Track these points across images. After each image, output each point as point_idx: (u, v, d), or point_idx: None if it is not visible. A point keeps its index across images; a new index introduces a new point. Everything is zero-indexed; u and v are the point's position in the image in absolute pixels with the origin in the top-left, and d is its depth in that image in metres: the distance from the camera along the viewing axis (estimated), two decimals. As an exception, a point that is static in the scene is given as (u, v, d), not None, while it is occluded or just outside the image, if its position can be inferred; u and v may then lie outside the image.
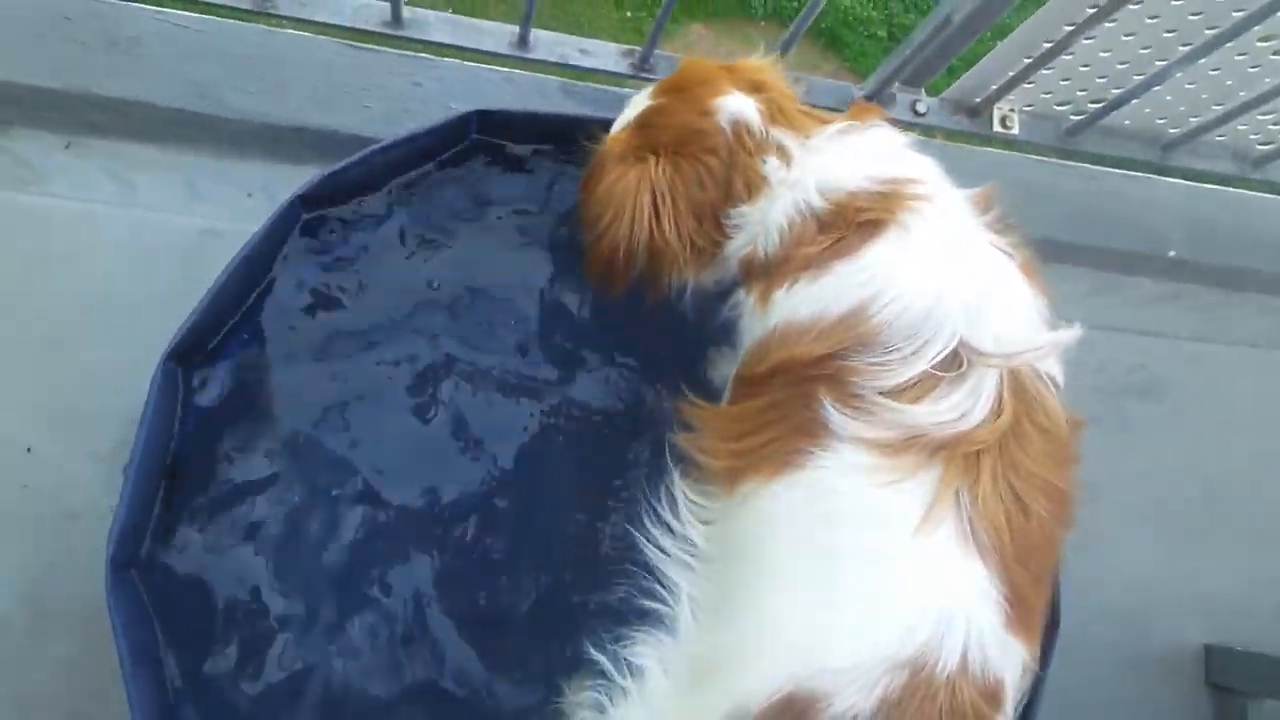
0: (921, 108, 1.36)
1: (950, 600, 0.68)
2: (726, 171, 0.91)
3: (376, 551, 1.04)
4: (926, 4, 4.91)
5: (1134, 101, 1.32)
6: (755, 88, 0.95)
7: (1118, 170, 1.53)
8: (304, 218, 1.10)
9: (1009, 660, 0.70)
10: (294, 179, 1.30)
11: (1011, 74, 1.29)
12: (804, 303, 0.82)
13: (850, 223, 0.83)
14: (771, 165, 0.90)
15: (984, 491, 0.71)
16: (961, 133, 1.40)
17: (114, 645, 0.91)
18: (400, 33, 1.23)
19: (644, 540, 0.88)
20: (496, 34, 1.25)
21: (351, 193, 1.11)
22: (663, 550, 0.87)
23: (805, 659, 0.67)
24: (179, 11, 1.22)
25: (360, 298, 1.13)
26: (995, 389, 0.74)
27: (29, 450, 1.14)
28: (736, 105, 0.92)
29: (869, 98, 1.34)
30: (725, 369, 1.04)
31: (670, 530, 0.87)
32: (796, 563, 0.73)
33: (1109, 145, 1.45)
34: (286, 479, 1.05)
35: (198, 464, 1.05)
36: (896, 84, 1.34)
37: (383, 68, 1.30)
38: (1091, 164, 1.50)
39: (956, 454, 0.71)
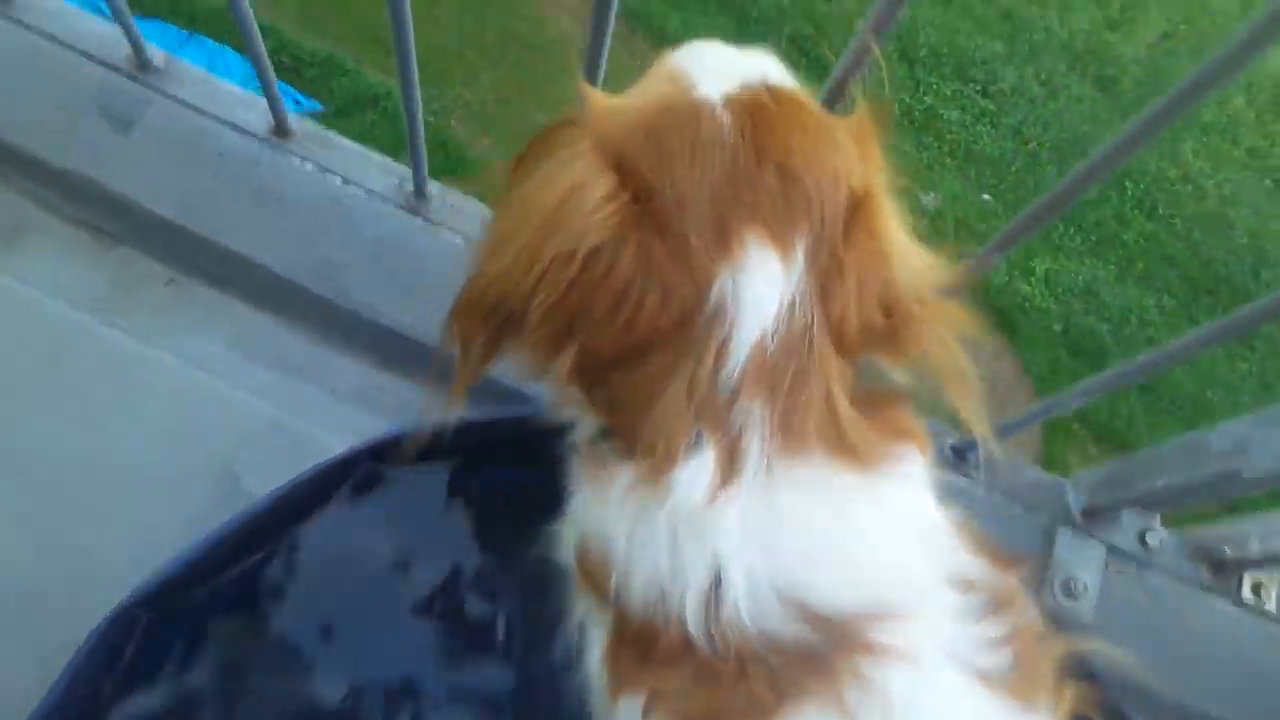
0: (1152, 540, 1.07)
1: None
2: (661, 367, 0.51)
3: None
4: (1106, 310, 4.69)
5: None
6: (861, 239, 0.53)
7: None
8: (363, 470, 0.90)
9: None
10: (387, 390, 1.13)
11: (1289, 545, 0.99)
12: None
13: (762, 675, 0.48)
14: (697, 468, 0.50)
15: None
16: (1195, 584, 1.09)
17: None
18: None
19: None
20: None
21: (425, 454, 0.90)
22: None
23: None
24: (338, 180, 1.08)
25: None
26: None
27: (-38, 624, 0.93)
28: (758, 289, 0.50)
29: (1086, 513, 1.06)
30: None
31: None
32: None
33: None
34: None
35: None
36: (1125, 504, 1.06)
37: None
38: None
39: None
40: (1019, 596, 0.55)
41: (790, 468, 0.50)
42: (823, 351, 0.51)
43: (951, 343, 0.56)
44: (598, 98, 0.56)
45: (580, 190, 0.50)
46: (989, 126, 4.96)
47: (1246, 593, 1.07)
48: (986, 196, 4.90)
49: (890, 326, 0.55)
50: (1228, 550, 1.07)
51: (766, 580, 0.48)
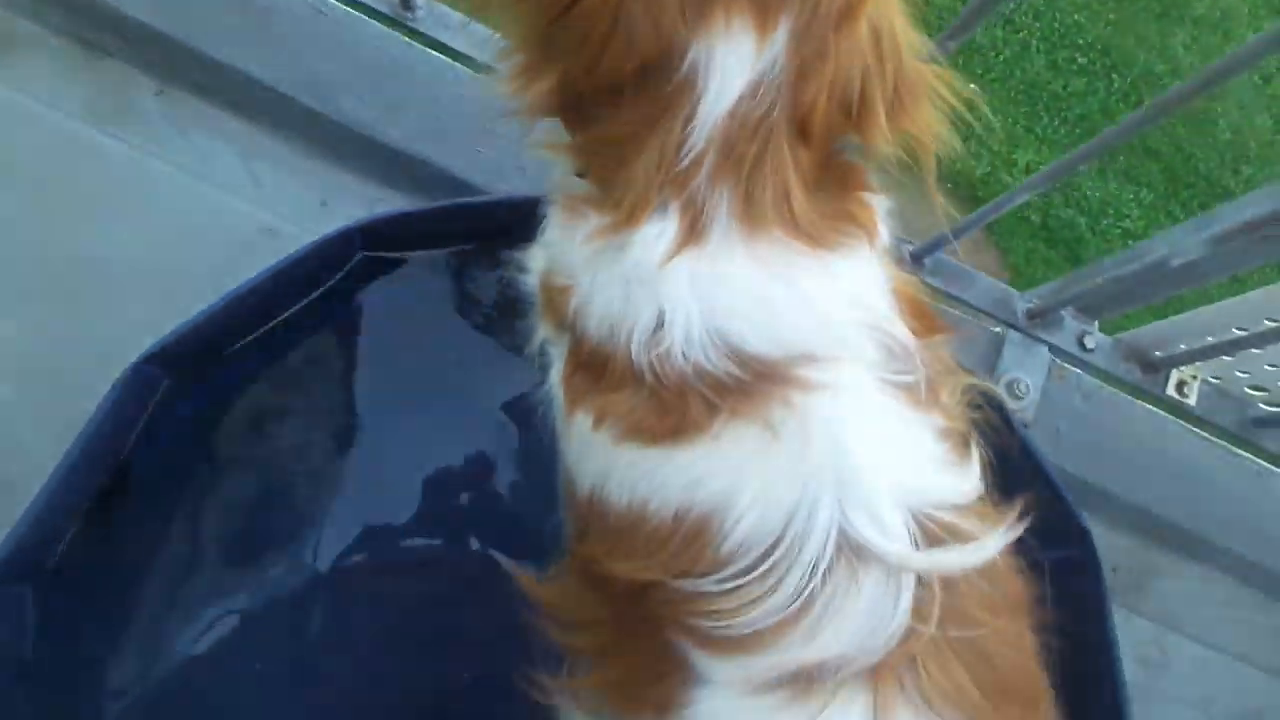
0: (1090, 343, 1.16)
1: None
2: (640, 114, 0.54)
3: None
4: (1085, 202, 4.75)
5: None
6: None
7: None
8: (361, 254, 0.96)
9: None
10: (377, 202, 1.18)
11: (1211, 340, 1.08)
12: (618, 477, 0.58)
13: (697, 400, 0.54)
14: (660, 232, 0.54)
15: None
16: (1126, 384, 1.19)
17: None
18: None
19: None
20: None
21: (412, 244, 0.96)
22: None
23: None
24: (323, -5, 1.11)
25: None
26: (911, 588, 0.53)
27: (-12, 399, 1.00)
28: (729, 66, 0.51)
29: (1031, 315, 1.14)
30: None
31: None
32: None
33: (1297, 451, 1.22)
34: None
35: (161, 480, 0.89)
36: (1070, 308, 1.14)
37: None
38: (1272, 464, 1.25)
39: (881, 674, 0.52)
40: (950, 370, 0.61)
41: (746, 241, 0.54)
42: (780, 140, 0.53)
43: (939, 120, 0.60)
44: None
45: None
46: (978, 14, 4.89)
47: (1171, 390, 1.16)
48: (972, 86, 4.87)
49: (862, 116, 0.57)
50: (1157, 353, 1.16)
51: (702, 326, 0.54)
